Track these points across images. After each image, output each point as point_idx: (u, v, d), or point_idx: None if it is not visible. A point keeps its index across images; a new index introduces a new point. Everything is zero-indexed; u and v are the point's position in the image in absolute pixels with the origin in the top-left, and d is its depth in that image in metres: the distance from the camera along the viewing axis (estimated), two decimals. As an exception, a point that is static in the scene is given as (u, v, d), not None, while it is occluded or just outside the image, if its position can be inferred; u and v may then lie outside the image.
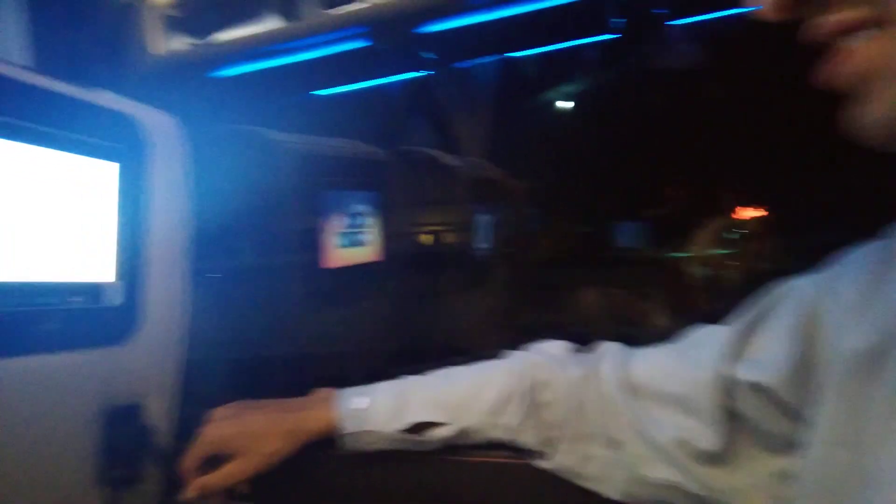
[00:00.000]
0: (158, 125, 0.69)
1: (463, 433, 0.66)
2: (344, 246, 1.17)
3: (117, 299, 0.66)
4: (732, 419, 0.53)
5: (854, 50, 0.28)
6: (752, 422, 0.52)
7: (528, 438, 0.64)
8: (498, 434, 0.65)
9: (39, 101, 0.57)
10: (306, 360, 0.73)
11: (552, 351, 0.69)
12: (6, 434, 0.56)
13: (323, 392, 0.72)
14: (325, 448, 0.69)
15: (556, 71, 1.46)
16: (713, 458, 0.54)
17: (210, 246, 0.78)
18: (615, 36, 1.33)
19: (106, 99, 0.64)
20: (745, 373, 0.51)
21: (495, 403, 0.65)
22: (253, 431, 0.68)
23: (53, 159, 0.59)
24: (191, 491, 0.67)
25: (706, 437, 0.54)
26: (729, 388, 0.53)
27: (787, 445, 0.50)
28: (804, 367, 0.47)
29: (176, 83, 1.00)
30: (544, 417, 0.64)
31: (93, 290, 0.63)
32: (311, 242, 1.14)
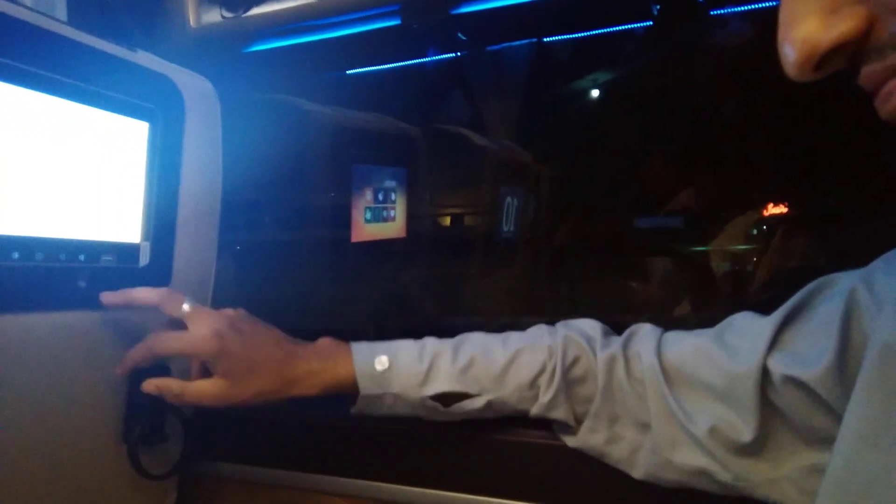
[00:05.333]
0: (192, 87, 0.70)
1: (490, 406, 0.63)
2: (369, 221, 1.17)
3: (145, 260, 0.66)
4: (769, 411, 0.52)
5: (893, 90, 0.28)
6: (789, 415, 0.51)
7: (559, 414, 0.62)
8: (529, 408, 0.63)
9: (75, 55, 0.58)
10: (324, 333, 0.71)
11: (583, 328, 0.67)
12: (35, 387, 0.57)
13: (328, 342, 0.66)
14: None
15: (589, 57, 1.45)
16: (747, 449, 0.53)
17: (236, 214, 0.78)
18: (650, 24, 1.31)
19: (140, 58, 0.65)
20: (783, 366, 0.50)
21: (530, 378, 0.62)
22: (256, 361, 0.61)
23: (84, 115, 0.59)
24: (147, 386, 0.62)
25: (742, 427, 0.53)
26: (767, 381, 0.51)
27: (823, 439, 0.49)
28: (842, 363, 0.46)
29: (209, 55, 1.01)
30: (575, 393, 0.62)
31: (121, 250, 0.64)
32: (336, 215, 1.15)
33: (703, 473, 0.56)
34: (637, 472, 0.61)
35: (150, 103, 0.65)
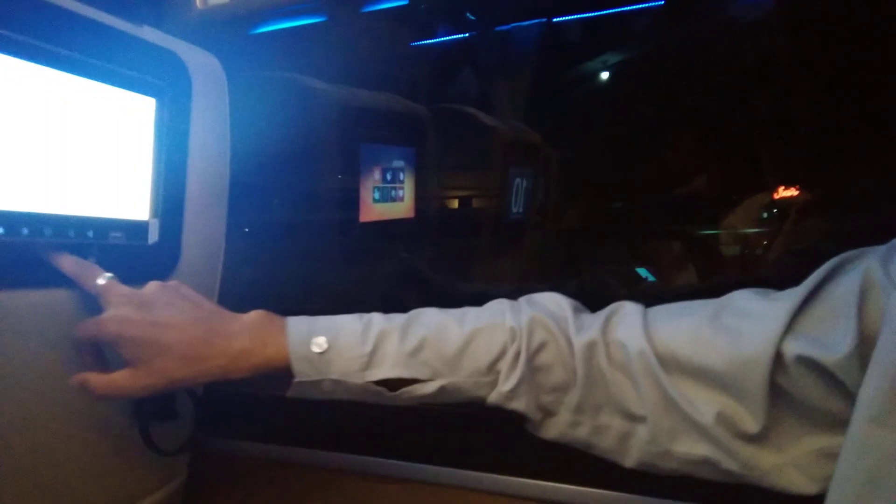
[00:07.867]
0: (198, 63, 0.69)
1: (444, 392, 0.57)
2: (378, 200, 1.17)
3: (154, 237, 0.66)
4: (776, 396, 0.49)
5: None
6: (799, 398, 0.49)
7: (519, 405, 0.56)
8: (485, 395, 0.57)
9: (81, 29, 0.57)
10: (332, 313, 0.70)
11: (550, 306, 0.60)
12: (47, 364, 0.57)
13: (260, 317, 0.58)
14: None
15: (599, 38, 1.43)
16: (756, 437, 0.50)
17: (244, 194, 0.78)
18: (662, 3, 1.30)
19: (146, 33, 0.64)
20: (799, 348, 0.47)
21: (488, 362, 0.57)
22: (164, 344, 0.54)
23: (90, 90, 0.59)
24: (72, 381, 0.55)
25: (747, 416, 0.50)
26: (778, 365, 0.48)
27: (833, 423, 0.48)
28: (860, 344, 0.44)
29: (215, 36, 1.00)
30: (539, 382, 0.57)
31: (130, 227, 0.64)
32: (344, 195, 1.14)
33: (706, 463, 0.53)
34: (629, 461, 0.57)
35: (157, 79, 0.64)
